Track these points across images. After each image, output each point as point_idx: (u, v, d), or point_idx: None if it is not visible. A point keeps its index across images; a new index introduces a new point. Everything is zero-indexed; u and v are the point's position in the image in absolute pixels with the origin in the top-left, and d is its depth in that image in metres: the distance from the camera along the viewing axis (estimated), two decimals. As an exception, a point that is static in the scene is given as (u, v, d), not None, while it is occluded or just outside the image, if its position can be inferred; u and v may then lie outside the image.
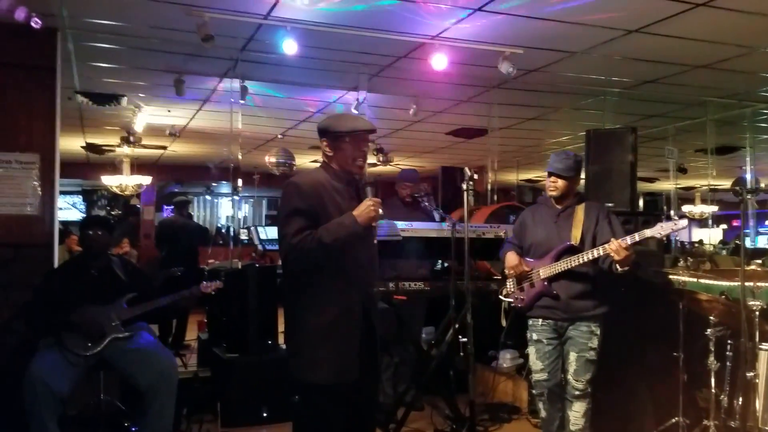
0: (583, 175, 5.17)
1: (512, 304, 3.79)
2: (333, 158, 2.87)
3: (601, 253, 3.42)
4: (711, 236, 13.07)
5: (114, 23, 4.90)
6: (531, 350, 3.76)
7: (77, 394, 4.00)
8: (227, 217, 16.72)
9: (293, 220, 2.70)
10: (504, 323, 3.89)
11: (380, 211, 2.77)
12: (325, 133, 2.86)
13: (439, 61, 5.31)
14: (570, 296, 3.57)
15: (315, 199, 2.74)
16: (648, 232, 3.33)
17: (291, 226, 2.70)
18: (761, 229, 15.52)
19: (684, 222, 3.27)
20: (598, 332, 3.58)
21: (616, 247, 3.32)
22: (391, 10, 4.61)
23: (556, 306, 3.60)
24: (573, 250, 3.55)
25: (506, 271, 3.78)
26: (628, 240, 3.34)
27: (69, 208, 15.19)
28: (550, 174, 3.68)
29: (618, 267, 3.39)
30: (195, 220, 12.16)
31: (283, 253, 2.78)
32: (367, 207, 2.73)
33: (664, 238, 3.43)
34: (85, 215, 14.24)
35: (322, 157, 2.93)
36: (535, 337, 3.71)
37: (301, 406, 2.81)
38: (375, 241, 2.85)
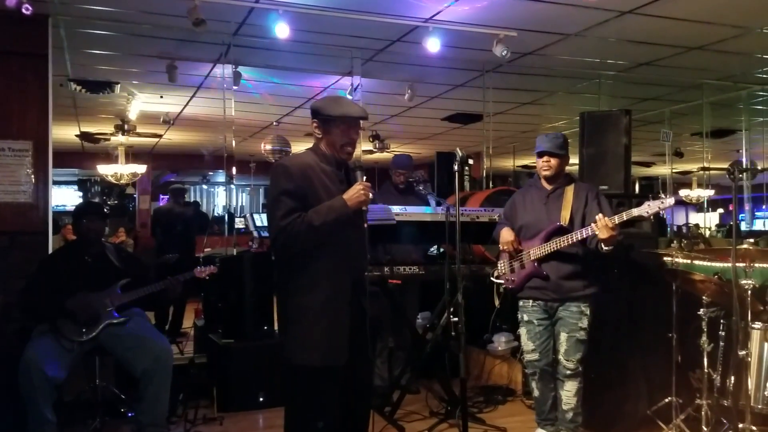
0: (576, 159, 5.22)
1: (503, 286, 3.80)
2: (322, 140, 2.86)
3: (589, 233, 3.43)
4: (707, 220, 13.07)
5: (105, 9, 4.88)
6: (522, 331, 3.78)
7: (73, 379, 4.02)
8: (223, 206, 16.73)
9: (282, 202, 2.69)
10: (497, 303, 3.90)
11: (370, 195, 2.76)
12: (317, 115, 2.84)
13: (433, 45, 5.29)
14: (560, 277, 3.59)
15: (304, 180, 2.73)
16: (635, 211, 3.33)
17: (280, 208, 2.69)
18: (758, 213, 15.52)
19: (671, 200, 3.27)
20: (588, 312, 3.60)
21: (602, 224, 3.32)
22: (384, -8, 4.60)
23: (546, 287, 3.61)
24: (562, 231, 3.55)
25: (501, 247, 3.79)
26: (615, 219, 3.34)
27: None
28: (542, 154, 3.68)
29: (603, 246, 3.39)
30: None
31: (272, 235, 2.77)
32: (357, 191, 2.72)
33: (652, 218, 3.42)
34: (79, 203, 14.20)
35: (313, 137, 2.91)
36: (525, 318, 3.73)
37: (292, 388, 2.81)
38: (365, 225, 2.84)
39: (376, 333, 4.81)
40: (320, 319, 2.71)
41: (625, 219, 3.34)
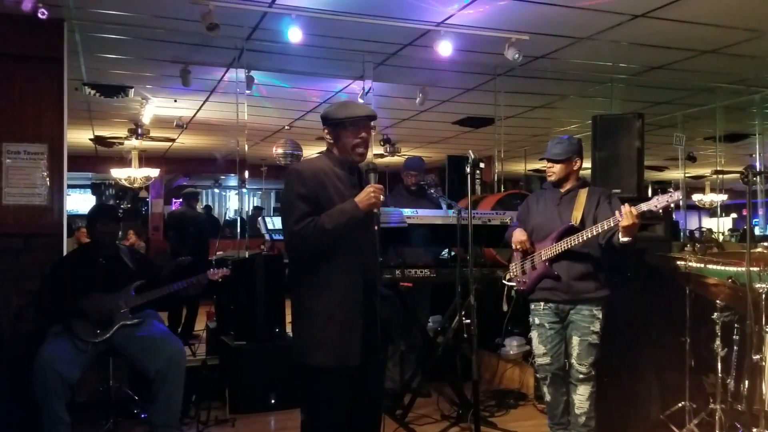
0: (589, 164, 5.21)
1: (515, 288, 3.80)
2: (334, 145, 2.88)
3: (603, 228, 3.40)
4: (721, 225, 12.99)
5: (120, 13, 4.92)
6: (533, 334, 3.77)
7: (86, 380, 4.06)
8: (235, 210, 16.81)
9: (296, 207, 2.72)
10: (505, 308, 3.89)
11: (382, 197, 2.77)
12: (326, 121, 2.88)
13: (445, 48, 5.30)
14: (571, 277, 3.57)
15: (317, 185, 2.75)
16: (644, 206, 3.30)
17: (294, 212, 2.71)
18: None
19: (679, 194, 3.24)
20: (600, 316, 3.58)
21: (626, 210, 3.25)
22: (396, -4, 4.62)
23: (558, 287, 3.60)
24: (573, 231, 3.54)
25: (514, 246, 3.79)
26: (633, 211, 3.30)
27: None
28: (546, 160, 3.71)
29: (621, 237, 3.33)
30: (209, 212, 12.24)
31: (286, 239, 2.80)
32: (368, 193, 2.74)
33: (661, 212, 3.37)
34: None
35: (326, 144, 2.94)
36: (537, 321, 3.72)
37: (305, 389, 2.82)
38: (376, 228, 2.84)
39: (388, 335, 4.81)
40: (333, 320, 2.73)
41: (644, 209, 3.30)
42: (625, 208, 3.29)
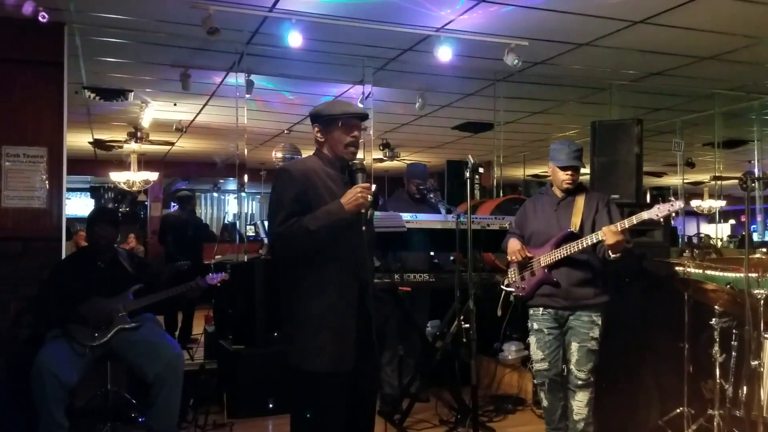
0: (588, 169, 5.22)
1: (514, 294, 3.79)
2: (325, 143, 2.82)
3: (596, 239, 3.41)
4: (719, 231, 12.98)
5: (120, 17, 4.93)
6: (532, 339, 3.76)
7: (85, 384, 4.03)
8: (234, 214, 16.78)
9: (283, 207, 2.66)
10: (499, 313, 3.88)
11: (369, 197, 2.68)
12: (317, 119, 2.81)
13: (444, 54, 5.31)
14: (570, 284, 3.57)
15: (306, 185, 2.69)
16: (645, 215, 3.31)
17: (279, 214, 2.65)
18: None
19: (680, 203, 3.26)
20: (600, 322, 3.58)
21: (607, 230, 3.30)
22: (396, 1, 4.62)
23: (557, 294, 3.60)
24: (573, 238, 3.54)
25: (509, 257, 3.78)
26: (626, 224, 3.32)
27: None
28: (567, 168, 3.66)
29: (610, 253, 3.37)
30: (202, 216, 12.20)
31: (269, 240, 2.77)
32: (354, 194, 2.65)
33: (662, 221, 3.39)
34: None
35: (315, 144, 2.87)
36: (536, 326, 3.72)
37: (298, 395, 2.79)
38: (363, 228, 2.72)
39: (383, 340, 4.79)
40: (326, 325, 2.68)
41: (635, 222, 3.32)
42: (605, 228, 3.31)
